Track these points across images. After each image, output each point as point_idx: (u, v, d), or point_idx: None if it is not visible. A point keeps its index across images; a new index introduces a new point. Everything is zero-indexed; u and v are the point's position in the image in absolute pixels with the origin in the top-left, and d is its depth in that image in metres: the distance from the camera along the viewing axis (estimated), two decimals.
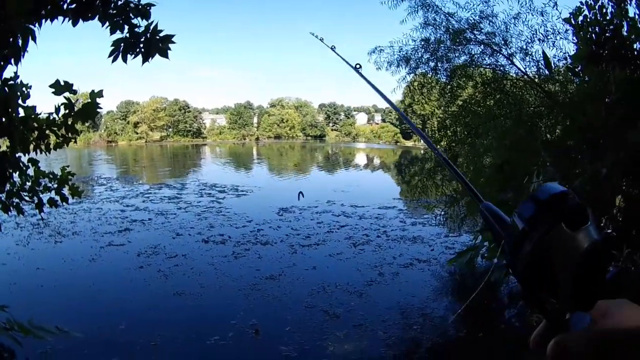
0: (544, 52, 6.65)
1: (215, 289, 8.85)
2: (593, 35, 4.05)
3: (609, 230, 0.58)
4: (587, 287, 0.56)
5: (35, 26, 3.50)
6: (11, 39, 3.41)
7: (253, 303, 8.15)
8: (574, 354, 0.54)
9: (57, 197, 4.63)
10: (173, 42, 3.70)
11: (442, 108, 9.62)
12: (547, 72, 6.72)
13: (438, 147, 9.05)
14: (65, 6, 3.54)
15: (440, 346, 6.86)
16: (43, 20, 3.56)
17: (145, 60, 3.70)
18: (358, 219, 15.80)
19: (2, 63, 3.52)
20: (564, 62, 6.74)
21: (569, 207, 0.56)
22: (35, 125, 3.98)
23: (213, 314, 7.80)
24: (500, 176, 6.10)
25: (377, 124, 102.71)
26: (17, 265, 10.44)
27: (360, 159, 56.12)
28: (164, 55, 3.69)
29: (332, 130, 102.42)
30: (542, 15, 7.06)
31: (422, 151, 15.69)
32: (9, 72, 3.60)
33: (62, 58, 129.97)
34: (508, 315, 8.14)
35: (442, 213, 9.57)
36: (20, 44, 3.46)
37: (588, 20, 4.14)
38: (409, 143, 75.09)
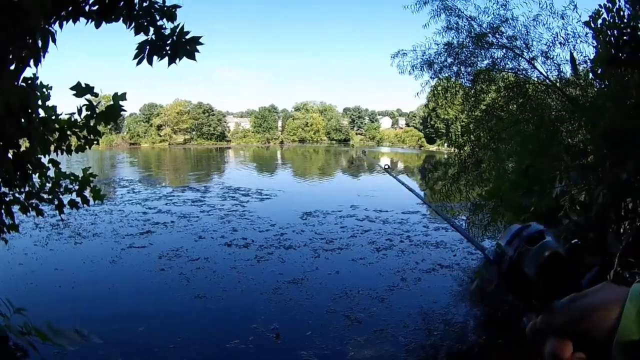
0: (571, 54, 6.58)
1: (237, 293, 8.83)
2: (612, 38, 3.97)
3: (574, 241, 0.71)
4: (552, 284, 0.70)
5: (54, 27, 3.46)
6: (30, 40, 3.35)
7: (275, 307, 8.12)
8: (555, 326, 0.68)
9: (78, 199, 4.52)
10: (201, 44, 3.65)
11: (466, 112, 9.56)
12: (573, 74, 6.64)
13: (461, 152, 9.08)
14: (87, 8, 3.50)
15: (460, 352, 6.78)
16: (64, 22, 3.51)
17: (171, 62, 3.67)
18: (382, 223, 15.71)
19: (20, 65, 3.46)
20: (584, 65, 6.65)
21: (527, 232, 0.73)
22: (56, 126, 3.94)
23: (234, 317, 7.79)
24: (524, 181, 6.03)
25: (402, 128, 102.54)
26: (35, 266, 10.37)
27: (385, 163, 55.82)
28: (192, 57, 3.66)
29: (356, 134, 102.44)
30: (563, 19, 6.99)
31: (445, 155, 15.55)
32: (28, 74, 3.55)
33: (83, 60, 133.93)
34: (527, 322, 8.01)
35: (466, 219, 9.49)
36: (40, 45, 3.42)
37: (607, 23, 4.06)
38: (433, 147, 74.88)
